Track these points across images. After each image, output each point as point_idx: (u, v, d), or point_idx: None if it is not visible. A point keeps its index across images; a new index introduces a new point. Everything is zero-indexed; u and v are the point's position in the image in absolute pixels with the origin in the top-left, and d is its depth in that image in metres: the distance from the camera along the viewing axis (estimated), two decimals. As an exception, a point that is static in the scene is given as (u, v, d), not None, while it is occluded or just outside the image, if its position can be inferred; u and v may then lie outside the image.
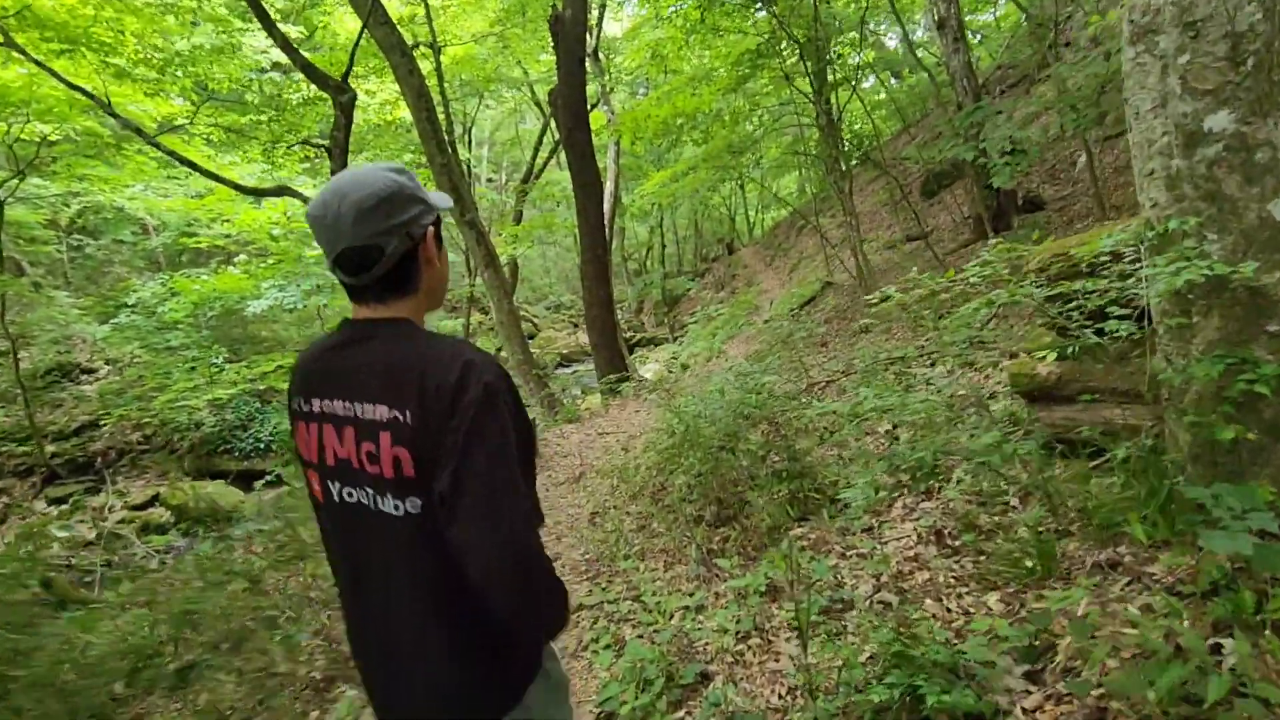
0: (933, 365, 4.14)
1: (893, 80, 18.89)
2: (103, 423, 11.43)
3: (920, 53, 19.01)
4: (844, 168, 9.99)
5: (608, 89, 13.71)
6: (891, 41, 17.69)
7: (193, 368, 11.47)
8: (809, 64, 7.49)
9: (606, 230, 9.30)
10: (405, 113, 12.45)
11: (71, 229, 13.50)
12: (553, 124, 20.36)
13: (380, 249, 0.99)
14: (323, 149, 5.62)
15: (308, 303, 12.08)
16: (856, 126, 14.13)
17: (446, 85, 10.81)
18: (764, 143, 13.89)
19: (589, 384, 12.48)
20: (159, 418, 11.53)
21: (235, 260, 12.39)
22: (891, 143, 19.06)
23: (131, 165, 9.23)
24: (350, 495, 1.01)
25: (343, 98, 5.34)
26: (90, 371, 12.93)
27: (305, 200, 6.13)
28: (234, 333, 13.52)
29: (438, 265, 1.10)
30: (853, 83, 9.30)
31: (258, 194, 6.58)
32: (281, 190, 6.04)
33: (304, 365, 1.09)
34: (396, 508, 0.97)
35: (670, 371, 11.40)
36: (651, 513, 3.82)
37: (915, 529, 2.52)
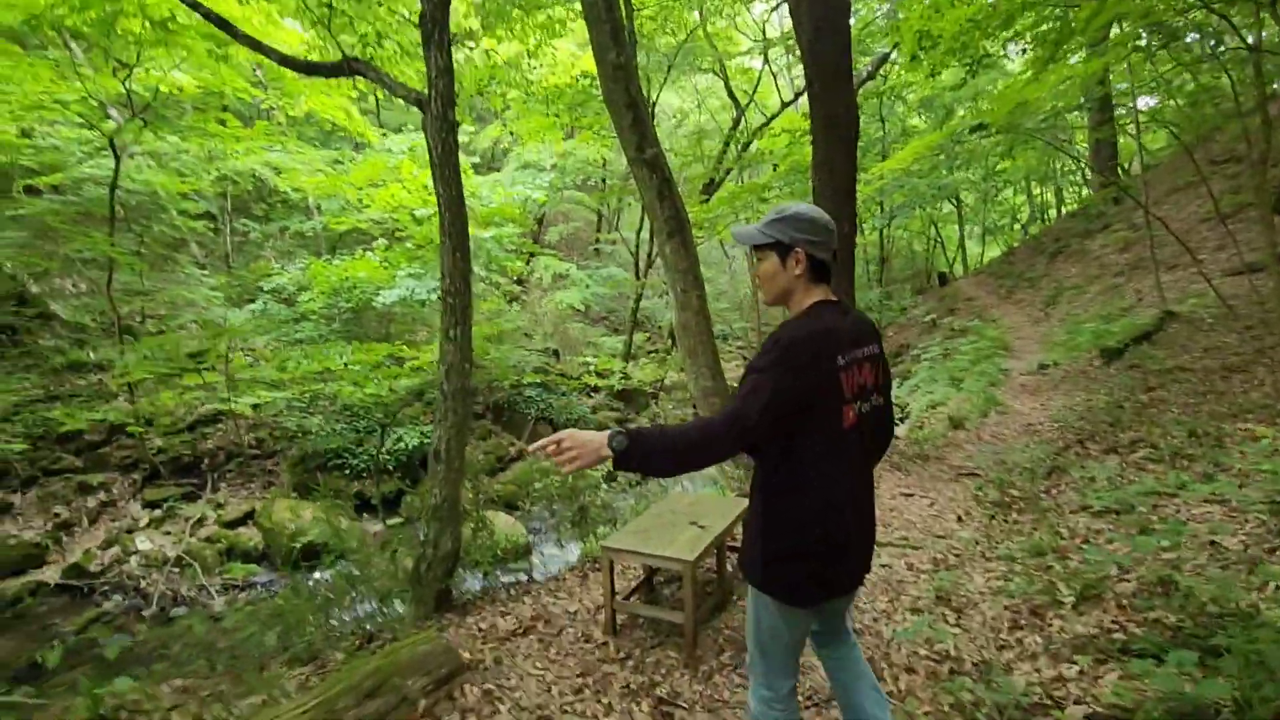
0: None
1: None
2: (223, 417, 10.05)
3: None
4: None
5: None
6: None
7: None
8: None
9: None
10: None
11: (235, 210, 12.74)
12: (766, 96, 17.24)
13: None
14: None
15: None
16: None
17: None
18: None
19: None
20: (277, 417, 9.96)
21: (373, 245, 10.68)
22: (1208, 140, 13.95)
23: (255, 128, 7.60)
24: (865, 407, 1.60)
25: None
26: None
27: (382, 83, 3.51)
28: (372, 329, 11.90)
29: None
30: None
31: (313, 71, 4.28)
32: (349, 66, 3.59)
33: (825, 334, 1.53)
34: (875, 400, 1.65)
35: (922, 426, 7.69)
36: None
37: None
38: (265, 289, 10.73)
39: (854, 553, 1.60)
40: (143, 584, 7.64)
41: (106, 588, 7.58)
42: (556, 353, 14.48)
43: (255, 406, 8.63)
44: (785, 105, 16.05)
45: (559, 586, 3.57)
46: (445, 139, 3.46)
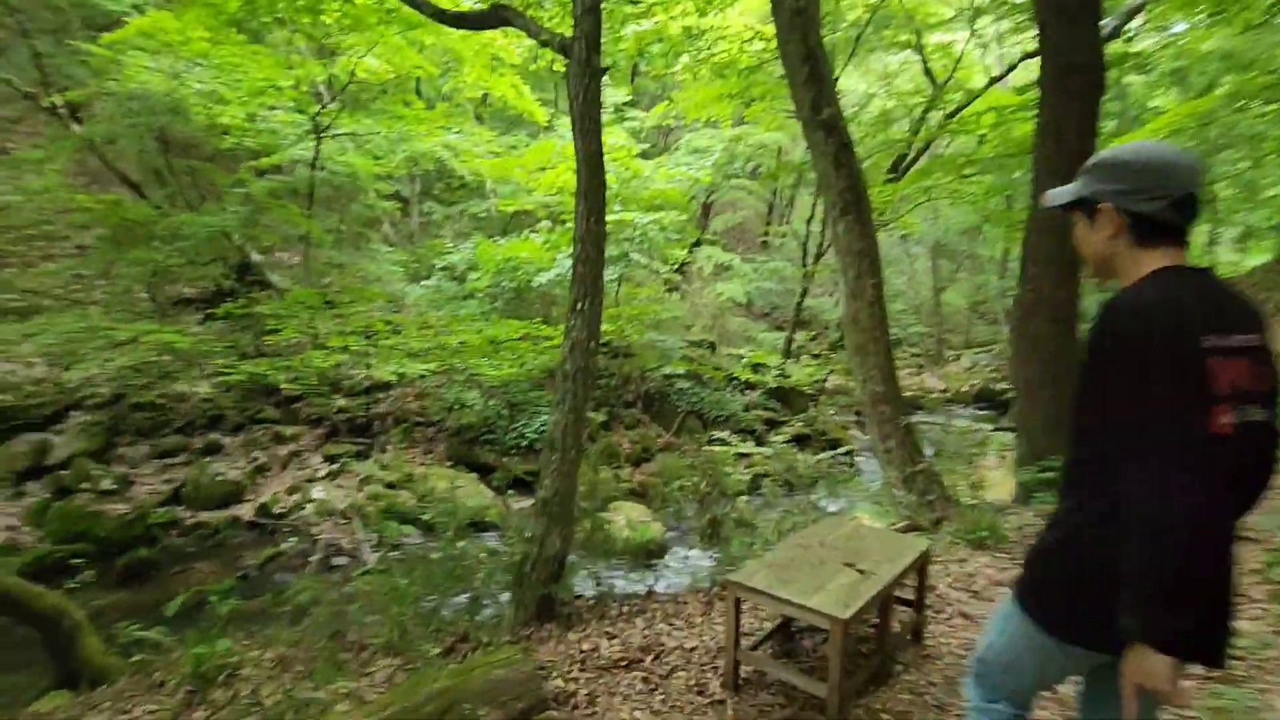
0: None
1: None
2: (395, 385, 10.81)
3: None
4: None
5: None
6: None
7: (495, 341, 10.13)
8: None
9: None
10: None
11: (421, 193, 13.68)
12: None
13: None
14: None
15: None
16: None
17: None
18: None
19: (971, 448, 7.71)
20: (440, 388, 10.50)
21: (538, 227, 10.86)
22: None
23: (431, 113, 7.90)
24: (1240, 418, 1.12)
25: None
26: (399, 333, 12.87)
27: (527, 30, 3.18)
28: (534, 309, 12.16)
29: None
30: None
31: (462, 22, 4.07)
32: (497, 14, 3.31)
33: (1162, 305, 1.14)
34: (1254, 415, 1.13)
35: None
36: None
37: None
38: (439, 266, 11.35)
39: (1204, 602, 1.12)
40: (314, 531, 8.32)
41: (286, 529, 8.34)
42: (713, 345, 13.96)
43: (400, 375, 9.08)
44: (994, 80, 14.02)
45: (678, 611, 3.04)
46: (588, 86, 3.05)
